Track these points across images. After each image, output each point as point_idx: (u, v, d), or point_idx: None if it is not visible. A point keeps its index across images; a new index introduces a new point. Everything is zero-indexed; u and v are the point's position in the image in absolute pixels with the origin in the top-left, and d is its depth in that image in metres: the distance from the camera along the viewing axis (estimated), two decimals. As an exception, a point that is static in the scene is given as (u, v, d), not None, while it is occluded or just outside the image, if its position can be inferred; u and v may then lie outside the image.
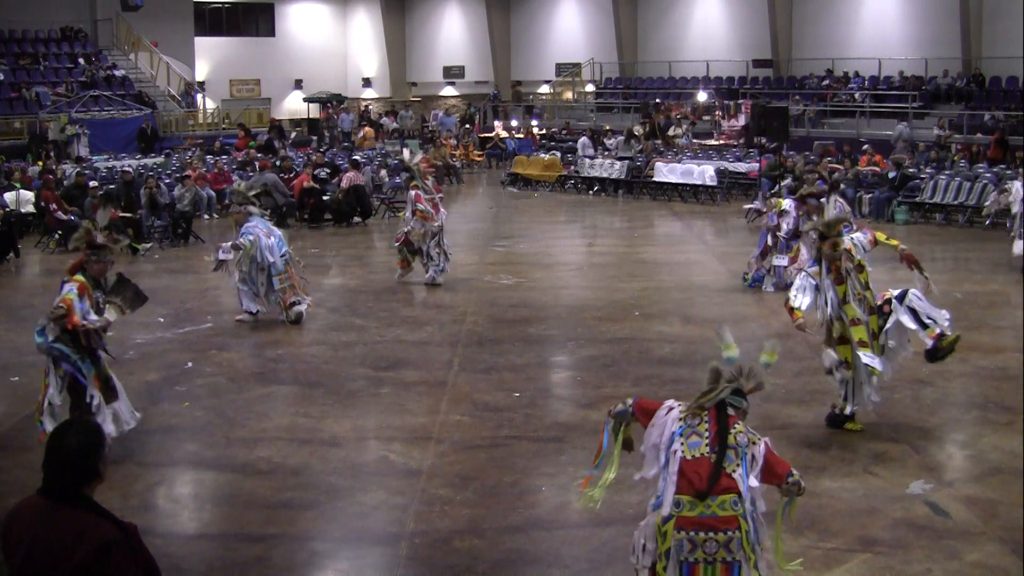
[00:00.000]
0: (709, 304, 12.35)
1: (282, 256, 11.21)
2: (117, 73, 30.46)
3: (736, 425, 4.39)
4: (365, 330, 11.15)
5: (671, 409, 4.53)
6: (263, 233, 11.20)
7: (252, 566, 5.84)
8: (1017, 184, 14.45)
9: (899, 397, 8.35)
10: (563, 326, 11.31)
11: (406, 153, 14.79)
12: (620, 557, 5.53)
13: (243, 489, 6.91)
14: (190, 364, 9.87)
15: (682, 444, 4.35)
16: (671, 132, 27.29)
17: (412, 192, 12.97)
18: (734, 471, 4.25)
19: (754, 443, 4.35)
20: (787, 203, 12.82)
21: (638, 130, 26.45)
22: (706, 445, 4.31)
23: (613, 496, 6.52)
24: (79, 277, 7.13)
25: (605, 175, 24.11)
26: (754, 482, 4.29)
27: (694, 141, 26.94)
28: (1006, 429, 7.76)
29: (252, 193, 11.98)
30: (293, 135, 30.95)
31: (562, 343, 10.63)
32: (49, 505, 3.29)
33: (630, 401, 4.73)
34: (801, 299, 7.46)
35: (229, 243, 11.22)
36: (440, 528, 6.22)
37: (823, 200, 12.16)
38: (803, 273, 7.71)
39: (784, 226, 12.69)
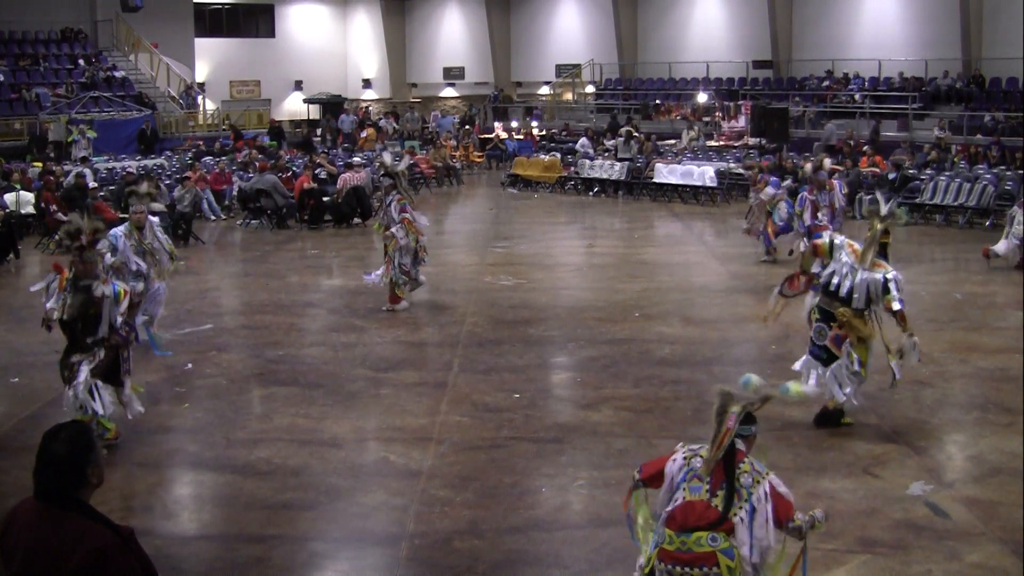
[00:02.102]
0: (709, 305, 12.35)
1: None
2: (117, 74, 30.45)
3: (742, 463, 4.29)
4: (365, 331, 11.15)
5: (675, 460, 4.45)
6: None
7: (252, 567, 5.84)
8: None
9: (899, 398, 8.35)
10: (563, 327, 11.30)
11: (387, 157, 13.63)
12: (620, 558, 5.54)
13: (243, 490, 6.91)
14: (190, 365, 9.87)
15: (684, 490, 4.30)
16: (686, 137, 27.17)
17: (395, 202, 11.78)
18: (735, 514, 4.19)
19: (758, 483, 4.25)
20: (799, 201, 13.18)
21: (636, 133, 26.42)
22: (707, 491, 4.25)
23: (613, 497, 6.54)
24: (67, 271, 7.48)
25: (605, 176, 24.12)
26: (761, 531, 4.21)
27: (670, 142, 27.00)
28: (1006, 430, 7.76)
29: (145, 190, 10.92)
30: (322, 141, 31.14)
31: (562, 344, 10.63)
32: (45, 510, 3.28)
33: (636, 474, 4.62)
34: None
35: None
36: (440, 529, 6.22)
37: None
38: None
39: (807, 217, 12.98)
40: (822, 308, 7.75)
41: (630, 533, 4.73)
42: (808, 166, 13.36)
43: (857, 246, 7.83)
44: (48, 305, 7.47)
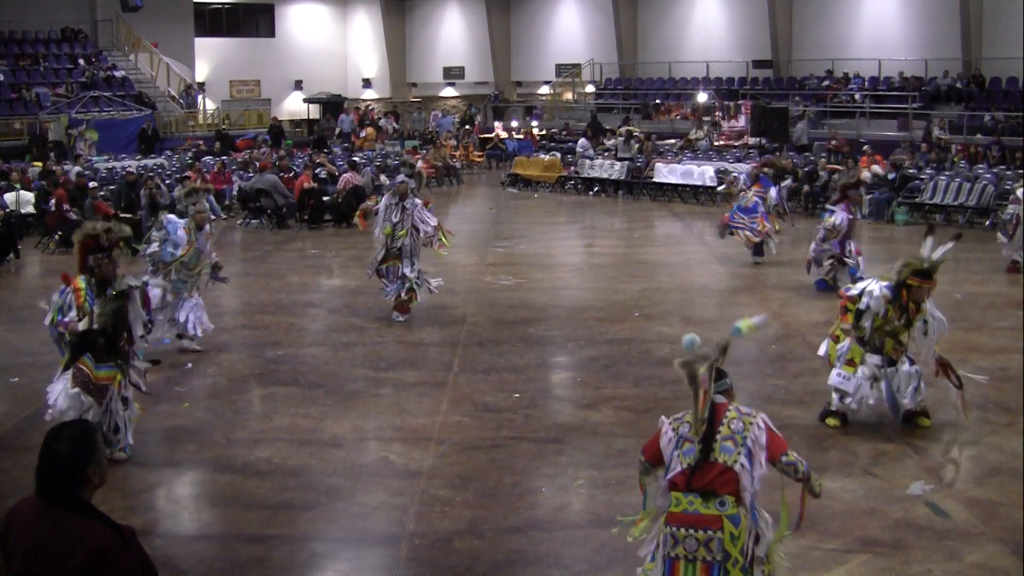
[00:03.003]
0: (709, 305, 12.35)
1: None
2: (117, 74, 30.45)
3: (728, 411, 4.34)
4: (365, 331, 11.14)
5: (665, 435, 4.47)
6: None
7: (252, 567, 5.84)
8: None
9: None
10: (563, 327, 11.30)
11: (420, 164, 12.97)
12: (620, 558, 5.54)
13: (243, 490, 6.91)
14: (190, 365, 9.87)
15: (678, 458, 4.33)
16: (693, 135, 27.13)
17: (419, 200, 11.35)
18: (735, 462, 4.22)
19: (750, 423, 4.30)
20: (838, 218, 12.27)
21: (637, 133, 26.41)
22: (699, 451, 4.29)
23: (613, 497, 6.55)
24: (79, 281, 7.25)
25: (605, 176, 24.12)
26: (760, 470, 4.27)
27: (671, 142, 26.94)
28: (1006, 430, 7.77)
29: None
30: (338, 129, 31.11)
31: (562, 344, 10.63)
32: (46, 509, 3.28)
33: (640, 457, 4.65)
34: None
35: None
36: (440, 529, 6.22)
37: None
38: (881, 289, 7.62)
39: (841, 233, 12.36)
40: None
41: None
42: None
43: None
44: (66, 319, 7.16)
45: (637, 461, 4.68)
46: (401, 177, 11.54)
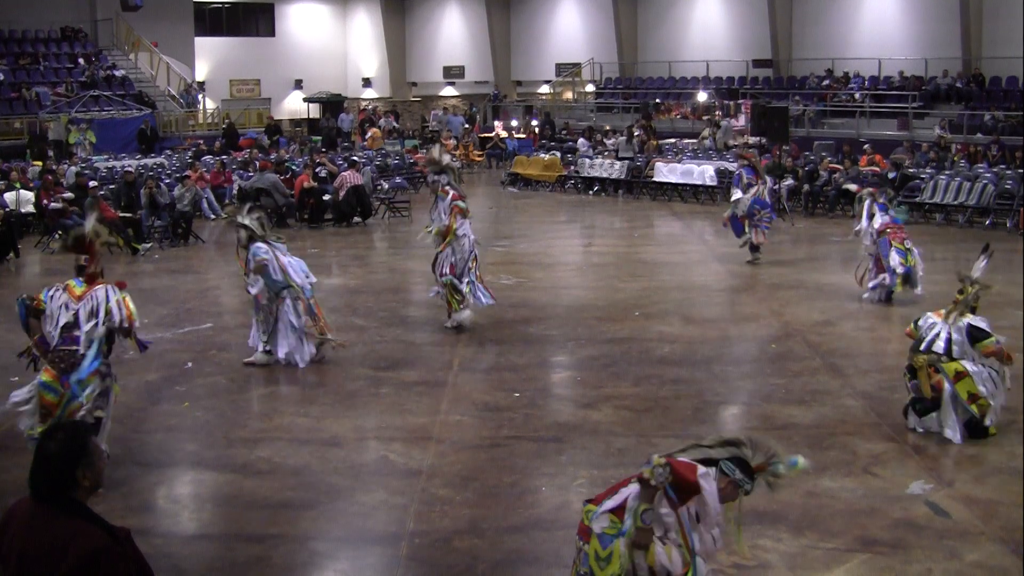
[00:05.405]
0: (709, 304, 12.35)
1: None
2: (117, 73, 30.47)
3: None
4: (365, 330, 11.14)
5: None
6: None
7: (252, 566, 5.84)
8: None
9: (899, 397, 8.34)
10: (563, 326, 11.30)
11: (436, 151, 11.59)
12: (620, 557, 5.54)
13: (243, 489, 6.91)
14: (190, 364, 9.87)
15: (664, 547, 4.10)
16: (703, 135, 27.06)
17: (450, 193, 10.77)
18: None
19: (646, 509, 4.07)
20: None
21: (637, 132, 26.36)
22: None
23: (613, 496, 6.54)
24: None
25: (605, 175, 24.12)
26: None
27: (686, 141, 26.84)
28: (1006, 430, 7.76)
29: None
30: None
31: (562, 343, 10.63)
32: (39, 510, 3.27)
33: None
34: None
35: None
36: (440, 528, 6.23)
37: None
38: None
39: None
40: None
41: None
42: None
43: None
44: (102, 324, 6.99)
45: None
46: (433, 177, 11.14)
